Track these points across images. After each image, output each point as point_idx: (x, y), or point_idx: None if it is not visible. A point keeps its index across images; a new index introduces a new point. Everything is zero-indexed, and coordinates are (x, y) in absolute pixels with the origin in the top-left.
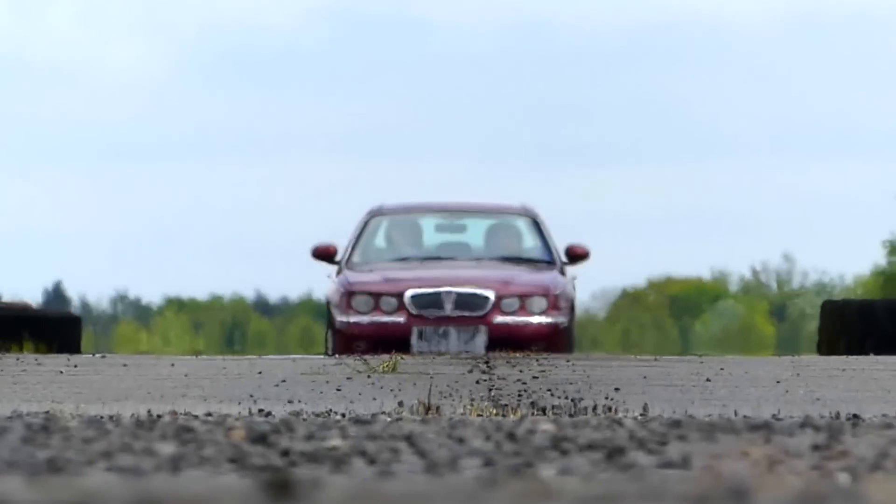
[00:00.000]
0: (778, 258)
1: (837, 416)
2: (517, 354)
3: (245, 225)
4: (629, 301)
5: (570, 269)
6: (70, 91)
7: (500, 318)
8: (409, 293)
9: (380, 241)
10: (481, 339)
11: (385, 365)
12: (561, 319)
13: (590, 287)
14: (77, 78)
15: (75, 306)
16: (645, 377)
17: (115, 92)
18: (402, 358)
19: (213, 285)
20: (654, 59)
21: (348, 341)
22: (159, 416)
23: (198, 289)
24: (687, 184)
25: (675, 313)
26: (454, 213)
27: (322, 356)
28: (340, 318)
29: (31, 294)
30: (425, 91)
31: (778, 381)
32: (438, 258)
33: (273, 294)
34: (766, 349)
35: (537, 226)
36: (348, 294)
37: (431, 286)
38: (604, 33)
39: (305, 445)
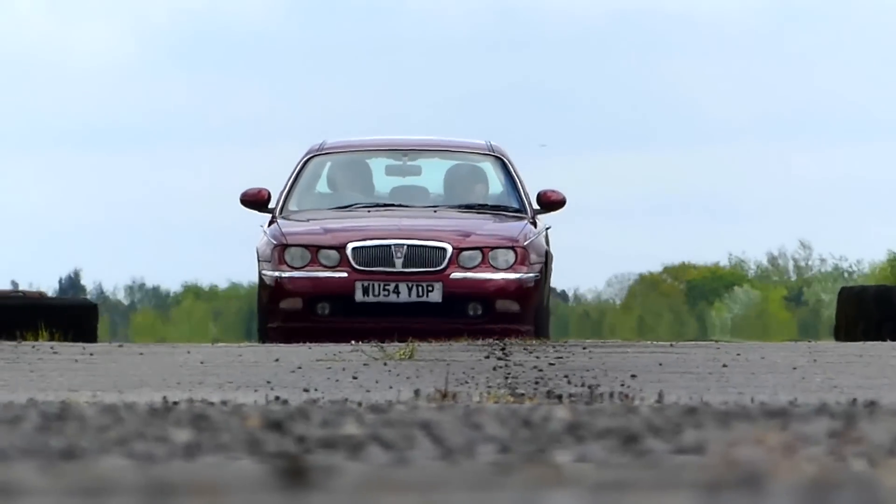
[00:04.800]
0: (795, 245)
1: (854, 402)
2: (533, 342)
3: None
4: (645, 287)
5: (544, 219)
6: (62, 79)
7: (458, 274)
8: (351, 246)
9: (321, 185)
10: (436, 297)
11: (402, 352)
12: (531, 275)
13: (605, 273)
14: (69, 64)
15: (91, 295)
16: (661, 364)
17: (109, 78)
18: (418, 344)
19: (231, 273)
20: (657, 43)
21: (279, 297)
22: (175, 404)
23: (216, 277)
24: (704, 170)
25: (691, 299)
26: (409, 153)
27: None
28: (271, 272)
29: (47, 283)
30: (400, 77)
31: (794, 368)
32: (389, 206)
33: None
34: (784, 335)
35: (505, 168)
36: (281, 247)
37: (379, 238)
38: (594, 16)
39: (321, 432)
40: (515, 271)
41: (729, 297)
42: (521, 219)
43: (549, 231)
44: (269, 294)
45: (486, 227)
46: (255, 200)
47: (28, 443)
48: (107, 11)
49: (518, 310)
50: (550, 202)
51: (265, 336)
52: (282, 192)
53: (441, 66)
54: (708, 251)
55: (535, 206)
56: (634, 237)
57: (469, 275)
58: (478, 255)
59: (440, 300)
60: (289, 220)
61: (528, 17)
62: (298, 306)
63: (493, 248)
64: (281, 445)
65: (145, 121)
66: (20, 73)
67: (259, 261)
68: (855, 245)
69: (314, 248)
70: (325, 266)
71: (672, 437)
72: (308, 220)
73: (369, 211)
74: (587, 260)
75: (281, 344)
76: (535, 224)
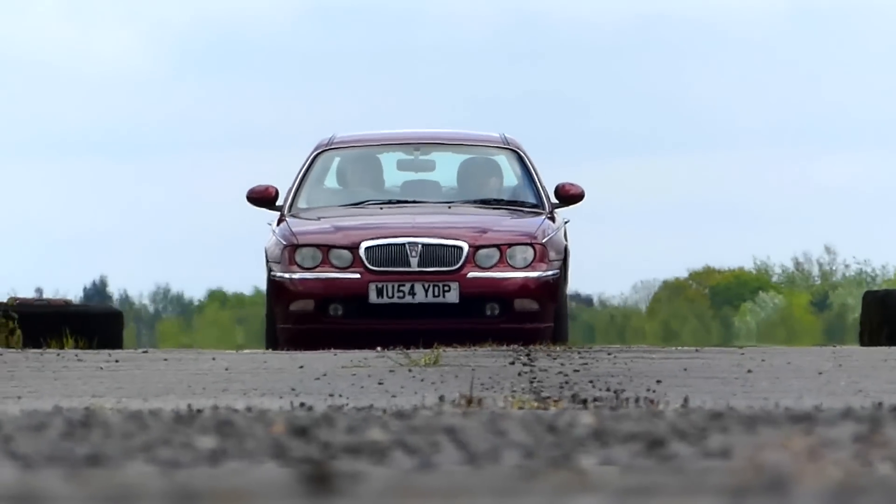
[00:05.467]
0: (819, 249)
1: (879, 406)
2: (557, 348)
3: None
4: (670, 292)
5: (562, 213)
6: (84, 85)
7: (475, 273)
8: (364, 245)
9: (330, 181)
10: (453, 298)
11: (427, 358)
12: (550, 273)
13: (630, 278)
14: (91, 70)
15: (117, 302)
16: (686, 369)
17: (131, 84)
18: (443, 350)
19: (256, 279)
20: (678, 48)
21: (290, 299)
22: (199, 411)
23: (241, 282)
24: (728, 174)
25: (716, 304)
26: (421, 147)
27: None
28: (282, 274)
29: (73, 291)
30: (416, 83)
31: (820, 373)
32: (402, 202)
33: None
34: (809, 340)
35: (521, 161)
36: (291, 247)
37: (392, 237)
38: (614, 22)
39: (346, 438)
40: (534, 269)
41: (754, 301)
42: (538, 214)
43: (567, 226)
44: (280, 296)
45: (503, 224)
46: (263, 198)
47: (53, 450)
48: (126, 18)
49: (537, 308)
50: (569, 196)
51: (274, 339)
52: (290, 189)
53: (458, 73)
54: (732, 256)
55: (553, 200)
56: (659, 242)
57: (487, 274)
58: (495, 252)
59: (457, 300)
60: (298, 217)
61: (546, 23)
62: (310, 308)
63: (510, 246)
64: (306, 451)
65: (169, 126)
66: (43, 80)
67: (268, 261)
68: (879, 250)
69: (326, 248)
70: (338, 266)
71: (698, 441)
72: (318, 219)
73: (381, 208)
74: (613, 266)
75: (292, 349)
76: (553, 219)
